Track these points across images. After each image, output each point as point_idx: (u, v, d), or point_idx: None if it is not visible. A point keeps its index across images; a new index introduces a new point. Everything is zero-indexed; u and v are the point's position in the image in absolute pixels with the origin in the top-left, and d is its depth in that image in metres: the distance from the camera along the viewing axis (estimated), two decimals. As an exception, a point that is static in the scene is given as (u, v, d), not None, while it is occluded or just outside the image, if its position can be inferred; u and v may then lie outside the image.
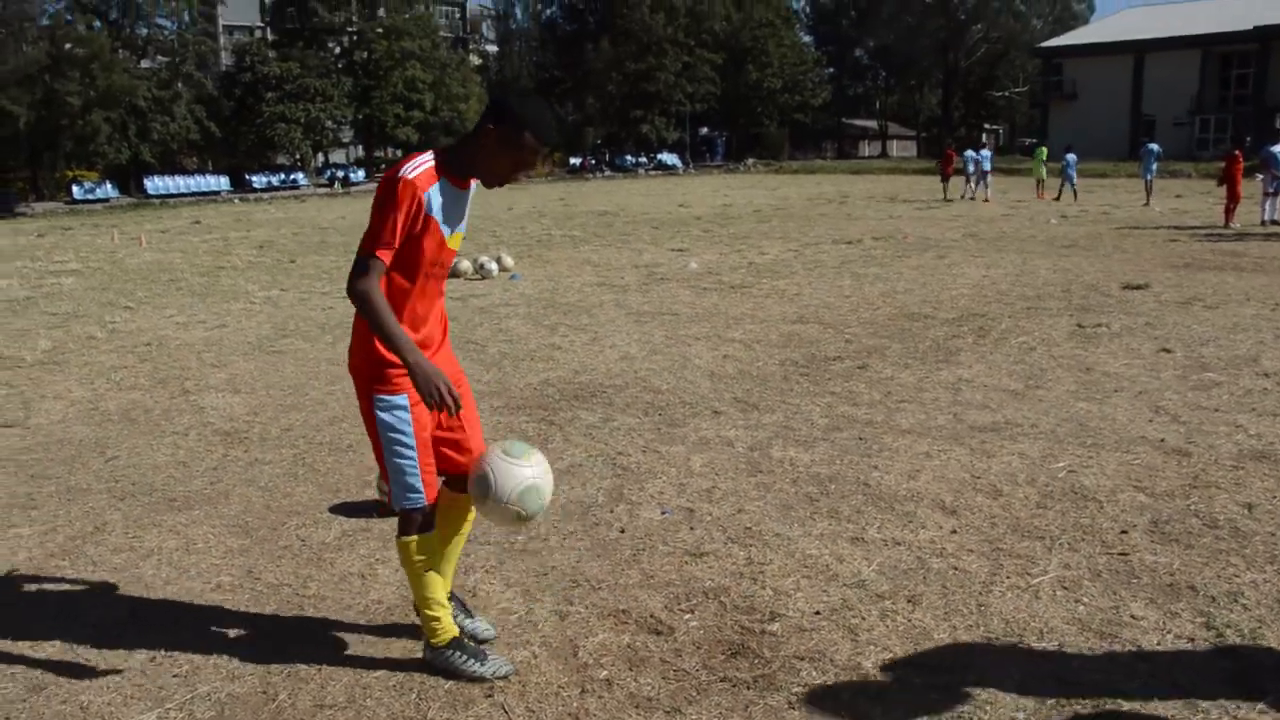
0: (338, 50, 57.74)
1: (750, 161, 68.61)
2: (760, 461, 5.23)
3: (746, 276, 12.78)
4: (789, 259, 14.69)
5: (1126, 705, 2.93)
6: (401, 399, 3.00)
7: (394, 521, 4.43)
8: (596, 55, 66.22)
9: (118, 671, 3.29)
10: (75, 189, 43.31)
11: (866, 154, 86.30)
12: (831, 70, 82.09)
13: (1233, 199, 18.58)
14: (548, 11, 76.38)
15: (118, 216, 33.91)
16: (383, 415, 3.02)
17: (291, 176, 50.24)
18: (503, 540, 4.24)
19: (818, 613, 3.53)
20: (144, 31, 49.99)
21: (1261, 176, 19.33)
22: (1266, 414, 5.90)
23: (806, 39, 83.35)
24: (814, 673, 3.13)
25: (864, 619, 3.48)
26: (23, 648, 3.46)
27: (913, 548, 4.08)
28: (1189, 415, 5.90)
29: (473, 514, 3.29)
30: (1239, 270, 12.21)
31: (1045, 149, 31.00)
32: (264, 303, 11.70)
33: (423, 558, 3.11)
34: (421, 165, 2.96)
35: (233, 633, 3.54)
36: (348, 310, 11.08)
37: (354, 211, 30.99)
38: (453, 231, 3.07)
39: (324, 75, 52.49)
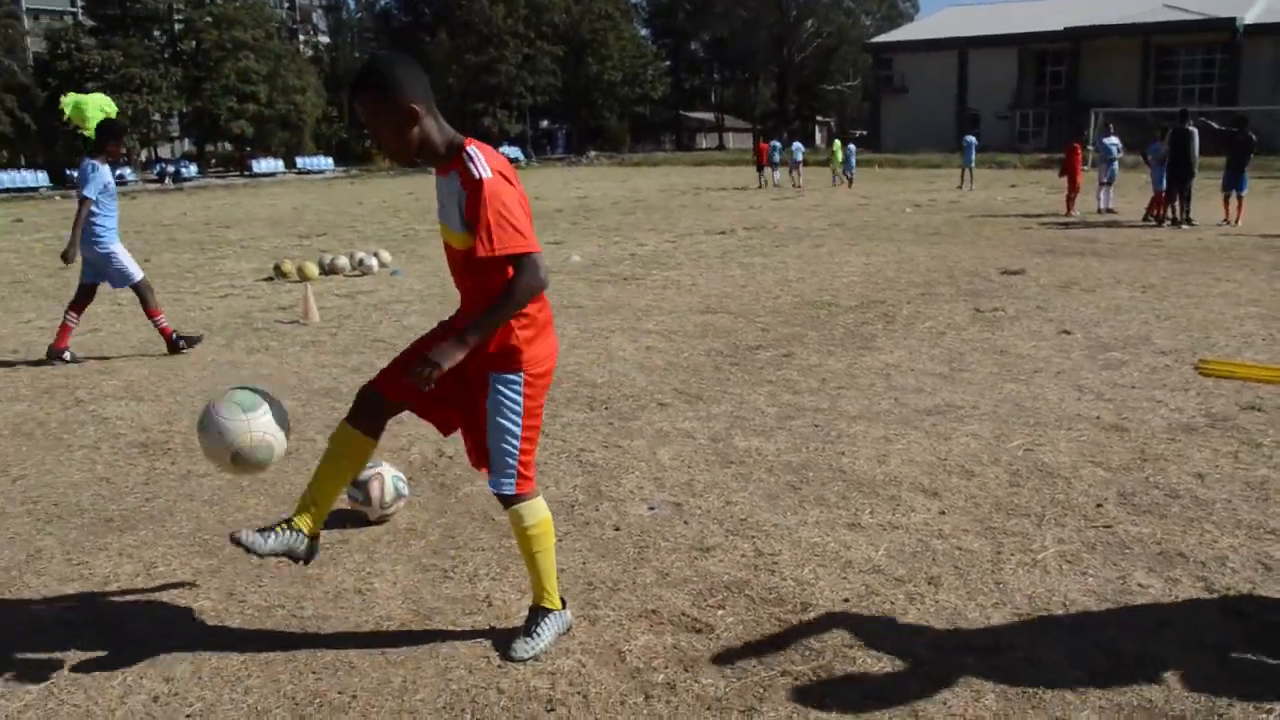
0: (164, 39, 54.84)
1: (593, 154, 68.74)
2: (728, 452, 5.21)
3: (634, 268, 12.76)
4: (669, 250, 14.76)
5: (1167, 672, 3.03)
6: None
7: (371, 531, 4.24)
8: (435, 48, 65.03)
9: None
10: None
11: (705, 146, 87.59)
12: (669, 63, 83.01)
13: (1073, 189, 19.68)
14: (382, 2, 74.60)
15: (-76, 216, 31.27)
16: None
17: (118, 172, 47.22)
18: (498, 545, 4.08)
19: (846, 600, 3.53)
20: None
21: (1096, 167, 20.59)
22: (1178, 389, 6.25)
23: (644, 32, 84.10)
24: (870, 660, 3.13)
25: (893, 604, 3.50)
26: None
27: (910, 531, 4.14)
28: (1111, 393, 6.19)
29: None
30: (1099, 255, 12.93)
31: (838, 142, 33.30)
32: (132, 303, 10.94)
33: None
34: None
35: (237, 662, 3.26)
36: (229, 309, 10.58)
37: (193, 208, 29.46)
38: (440, 219, 3.03)
39: (149, 65, 49.76)
